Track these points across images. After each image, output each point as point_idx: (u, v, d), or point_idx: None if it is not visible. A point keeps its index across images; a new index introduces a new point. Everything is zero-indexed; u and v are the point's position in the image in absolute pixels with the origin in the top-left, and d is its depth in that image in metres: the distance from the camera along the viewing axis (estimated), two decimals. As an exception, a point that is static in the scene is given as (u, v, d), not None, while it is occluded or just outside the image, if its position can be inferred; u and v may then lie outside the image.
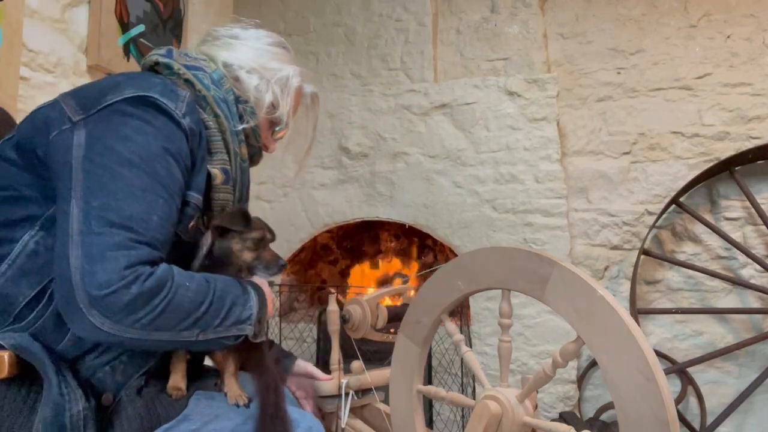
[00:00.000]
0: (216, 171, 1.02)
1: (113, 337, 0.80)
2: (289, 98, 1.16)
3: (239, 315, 0.94)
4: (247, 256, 1.06)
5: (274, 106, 1.14)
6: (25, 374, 0.86)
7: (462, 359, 1.17)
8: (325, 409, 1.45)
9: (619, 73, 2.77)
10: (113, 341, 0.82)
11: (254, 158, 1.19)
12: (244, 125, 1.09)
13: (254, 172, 3.08)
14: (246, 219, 1.07)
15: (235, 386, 1.07)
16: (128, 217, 0.82)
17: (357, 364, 1.49)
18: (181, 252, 0.98)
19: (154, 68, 1.05)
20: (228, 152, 1.05)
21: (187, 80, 1.02)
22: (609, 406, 2.52)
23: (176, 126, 0.91)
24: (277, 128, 1.19)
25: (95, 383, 0.90)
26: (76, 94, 0.92)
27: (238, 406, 1.03)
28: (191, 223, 0.97)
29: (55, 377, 0.84)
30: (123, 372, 0.94)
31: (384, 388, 1.42)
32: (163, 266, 0.85)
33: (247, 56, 1.13)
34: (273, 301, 1.07)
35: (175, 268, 0.88)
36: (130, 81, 0.92)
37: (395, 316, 1.52)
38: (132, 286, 0.79)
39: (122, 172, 0.84)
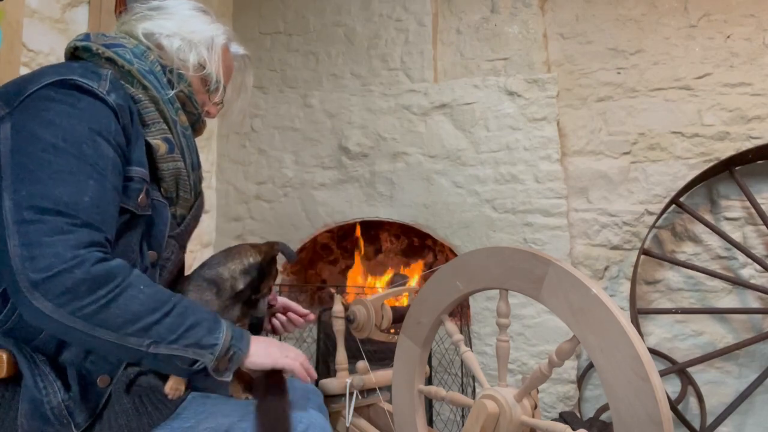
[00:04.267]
0: (157, 142, 1.02)
1: (57, 324, 0.80)
2: (215, 56, 1.14)
3: (200, 338, 0.89)
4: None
5: (201, 66, 1.12)
6: (17, 376, 0.86)
7: (462, 359, 1.17)
8: (330, 409, 1.46)
9: (619, 73, 2.77)
10: (58, 330, 0.81)
11: (196, 126, 1.17)
12: (175, 91, 1.07)
13: (254, 171, 3.09)
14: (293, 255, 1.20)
15: (239, 389, 1.08)
16: (58, 202, 0.81)
17: (362, 365, 1.50)
18: (141, 227, 0.99)
19: (74, 55, 1.04)
20: (166, 121, 1.05)
21: (108, 58, 1.00)
22: (609, 406, 2.52)
23: (102, 104, 0.91)
24: (211, 88, 1.16)
25: (89, 367, 0.91)
26: (1, 89, 0.91)
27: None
28: (140, 197, 0.97)
29: (29, 372, 0.85)
30: None
31: (389, 388, 1.42)
32: (121, 262, 0.85)
33: (168, 23, 1.11)
34: (284, 357, 1.01)
35: (136, 271, 0.87)
36: (50, 69, 0.93)
37: (400, 317, 1.53)
38: (75, 270, 0.79)
39: (48, 158, 0.84)
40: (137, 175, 0.96)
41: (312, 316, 1.41)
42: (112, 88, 0.94)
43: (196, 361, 0.89)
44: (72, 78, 0.89)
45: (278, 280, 2.89)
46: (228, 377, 0.93)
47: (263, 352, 0.97)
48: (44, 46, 1.82)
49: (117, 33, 1.09)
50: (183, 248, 1.19)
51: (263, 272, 1.14)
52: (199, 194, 1.20)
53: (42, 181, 0.82)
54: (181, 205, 1.11)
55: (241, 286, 1.12)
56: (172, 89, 1.07)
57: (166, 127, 1.04)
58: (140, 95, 1.01)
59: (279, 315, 1.38)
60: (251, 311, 1.20)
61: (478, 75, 2.83)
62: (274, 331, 1.39)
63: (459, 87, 2.73)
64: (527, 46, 2.82)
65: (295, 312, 1.38)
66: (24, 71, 1.74)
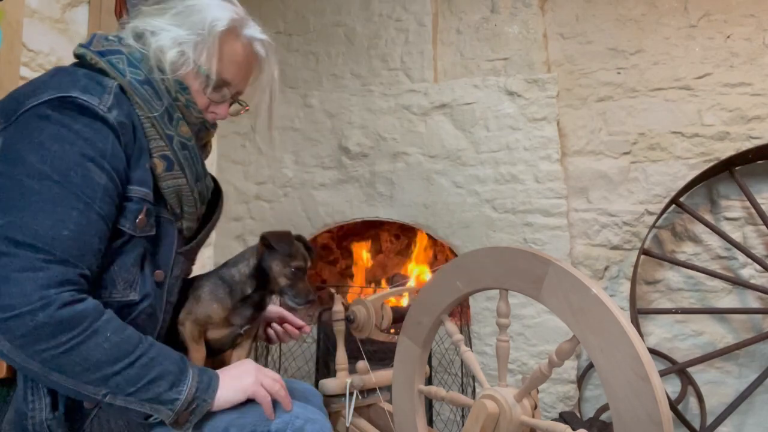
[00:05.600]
0: (155, 161, 0.96)
1: (12, 362, 0.77)
2: (210, 46, 0.98)
3: (160, 393, 0.84)
4: (282, 281, 1.12)
5: (193, 62, 0.98)
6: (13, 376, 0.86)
7: (462, 359, 1.18)
8: (330, 409, 1.46)
9: (619, 73, 2.77)
10: (13, 365, 0.78)
11: (200, 134, 1.07)
12: (168, 102, 0.98)
13: (254, 171, 3.08)
14: (289, 244, 1.11)
15: None
16: (35, 235, 0.77)
17: (362, 365, 1.50)
18: (141, 248, 0.95)
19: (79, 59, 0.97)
20: (162, 137, 0.97)
21: (101, 70, 0.93)
22: (609, 406, 2.52)
23: (102, 123, 0.86)
24: (207, 85, 1.01)
25: None
26: (3, 101, 0.88)
27: None
28: (139, 218, 0.92)
29: (22, 383, 0.83)
30: None
31: (389, 388, 1.42)
32: (91, 304, 0.81)
33: (157, 19, 1.00)
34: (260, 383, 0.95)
35: (107, 315, 0.83)
36: (54, 80, 0.88)
37: (400, 317, 1.53)
38: (39, 312, 0.75)
39: (31, 185, 0.80)
40: (137, 195, 0.92)
41: (308, 329, 1.38)
42: (116, 103, 0.89)
43: (152, 414, 0.86)
44: (71, 95, 0.84)
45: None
46: (188, 429, 0.89)
47: (232, 392, 0.93)
48: (44, 46, 1.82)
49: (122, 33, 1.01)
50: (192, 262, 1.17)
51: (263, 272, 1.13)
52: (206, 202, 1.13)
53: (21, 210, 0.78)
54: (186, 219, 1.06)
55: (249, 290, 1.12)
56: (171, 97, 0.99)
57: (164, 144, 0.98)
58: (137, 110, 0.95)
59: (275, 325, 1.35)
60: (262, 313, 1.20)
61: (478, 75, 2.83)
62: (268, 341, 1.38)
63: (459, 87, 2.73)
64: (527, 46, 2.81)
65: (291, 323, 1.35)
66: (24, 71, 1.73)
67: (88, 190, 0.83)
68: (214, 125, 1.09)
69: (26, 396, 0.84)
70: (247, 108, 1.13)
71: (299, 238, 1.21)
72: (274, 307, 1.35)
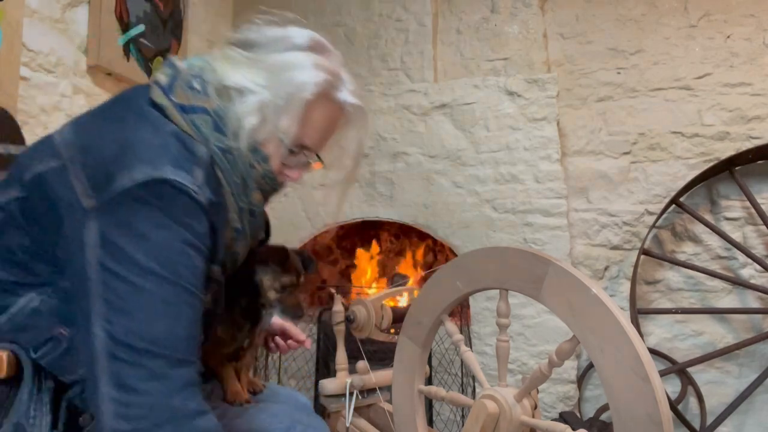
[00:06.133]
0: (226, 232, 0.92)
1: None
2: (291, 113, 0.90)
3: None
4: (272, 295, 1.11)
5: (275, 127, 0.90)
6: (18, 377, 0.84)
7: (462, 359, 1.18)
8: (330, 409, 1.46)
9: (619, 73, 2.77)
10: None
11: (267, 197, 1.02)
12: (243, 171, 0.91)
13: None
14: (283, 260, 1.10)
15: (237, 385, 1.09)
16: (155, 341, 0.74)
17: (362, 364, 1.50)
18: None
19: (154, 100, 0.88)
20: (236, 211, 0.92)
21: (184, 130, 0.86)
22: (609, 406, 2.52)
23: (196, 204, 0.80)
24: (282, 151, 0.94)
25: (79, 404, 0.86)
26: (86, 163, 0.80)
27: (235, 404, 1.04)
28: (207, 297, 0.88)
29: (27, 395, 0.81)
30: None
31: (389, 388, 1.42)
32: (211, 424, 0.78)
33: (246, 73, 0.91)
34: None
35: None
36: (142, 143, 0.81)
37: (400, 317, 1.53)
38: (166, 425, 0.72)
39: (143, 285, 0.75)
40: (213, 276, 0.89)
41: (309, 343, 1.37)
42: (206, 180, 0.83)
43: None
44: (164, 177, 0.77)
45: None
46: None
47: None
48: (44, 46, 1.82)
49: (206, 75, 0.91)
50: None
51: (255, 285, 1.11)
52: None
53: (137, 314, 0.75)
54: (230, 271, 1.02)
55: (243, 303, 1.11)
56: (247, 165, 0.91)
57: (236, 216, 0.93)
58: (219, 183, 0.88)
59: (277, 338, 1.35)
60: (261, 324, 1.19)
61: (478, 75, 2.83)
62: (268, 349, 1.38)
63: (459, 87, 2.73)
64: (527, 46, 2.82)
65: (293, 337, 1.35)
66: (24, 71, 1.74)
67: (193, 279, 0.80)
68: (284, 184, 1.02)
69: (28, 410, 0.81)
70: (322, 165, 1.03)
71: (300, 252, 1.20)
72: (277, 320, 1.35)
